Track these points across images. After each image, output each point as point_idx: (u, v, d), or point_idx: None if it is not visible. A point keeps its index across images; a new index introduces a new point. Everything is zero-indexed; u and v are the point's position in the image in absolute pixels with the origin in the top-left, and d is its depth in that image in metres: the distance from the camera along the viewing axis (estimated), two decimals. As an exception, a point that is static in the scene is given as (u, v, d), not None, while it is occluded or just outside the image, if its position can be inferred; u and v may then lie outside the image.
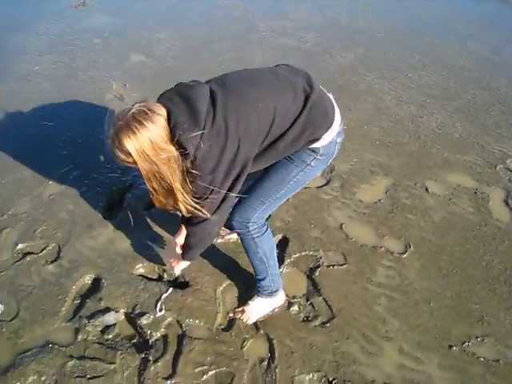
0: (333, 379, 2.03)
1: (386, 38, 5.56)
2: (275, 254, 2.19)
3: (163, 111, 1.59)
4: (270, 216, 2.79)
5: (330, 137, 1.86)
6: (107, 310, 2.25)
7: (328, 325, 2.24)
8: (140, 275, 2.46)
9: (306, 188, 3.08)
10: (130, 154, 1.56)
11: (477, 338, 2.22)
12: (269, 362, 2.08)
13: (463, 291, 2.45)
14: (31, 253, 2.57)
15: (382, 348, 2.16)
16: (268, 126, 1.69)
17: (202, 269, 2.48)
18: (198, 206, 1.72)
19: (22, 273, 2.45)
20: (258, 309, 2.26)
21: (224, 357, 2.09)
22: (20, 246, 2.61)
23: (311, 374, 2.05)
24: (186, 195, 1.69)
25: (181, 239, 2.22)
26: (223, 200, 1.76)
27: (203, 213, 1.74)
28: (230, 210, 1.96)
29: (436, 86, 4.55)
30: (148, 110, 1.56)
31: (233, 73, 1.81)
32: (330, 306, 2.33)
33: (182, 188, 1.67)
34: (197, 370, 2.03)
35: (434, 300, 2.39)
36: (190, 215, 1.80)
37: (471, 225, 2.88)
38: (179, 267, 2.27)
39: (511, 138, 3.78)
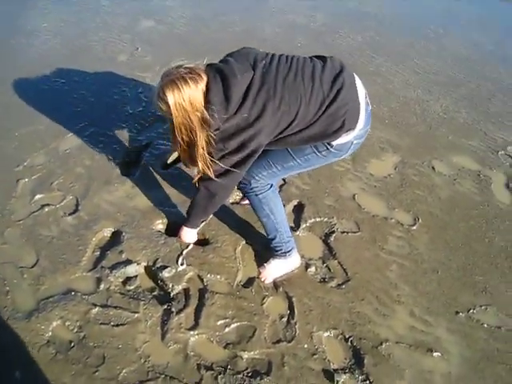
0: (349, 337, 2.11)
1: (393, 24, 5.60)
2: (283, 213, 2.27)
3: (205, 80, 1.78)
4: (285, 182, 2.86)
5: (346, 139, 1.97)
6: (128, 262, 2.29)
7: (344, 286, 2.33)
8: (160, 231, 2.49)
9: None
10: (169, 105, 1.76)
11: (481, 306, 2.33)
12: (288, 319, 2.16)
13: (468, 264, 2.56)
14: (49, 204, 2.57)
15: (394, 310, 2.26)
16: (286, 125, 1.85)
17: (221, 228, 2.53)
18: (211, 165, 1.89)
19: (41, 223, 2.46)
20: (273, 270, 2.32)
21: (245, 312, 2.15)
22: (37, 196, 2.61)
23: (329, 332, 2.13)
24: (205, 152, 1.86)
25: None
26: (229, 171, 1.92)
27: (211, 173, 1.92)
28: (237, 181, 2.06)
29: (441, 73, 4.63)
30: (195, 73, 1.76)
31: (276, 62, 1.88)
32: (344, 270, 2.41)
33: (205, 144, 1.85)
34: (219, 323, 2.10)
35: (441, 270, 2.50)
36: (200, 175, 1.99)
37: (475, 204, 2.99)
38: (187, 236, 2.36)
39: (512, 126, 3.90)
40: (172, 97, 1.74)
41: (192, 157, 1.92)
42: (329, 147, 1.98)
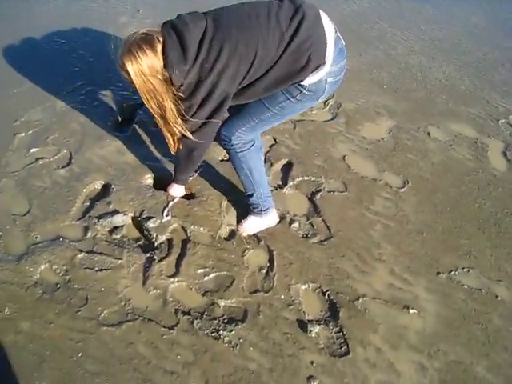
0: (327, 290, 2.16)
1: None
2: (263, 172, 2.30)
3: (161, 40, 1.80)
4: (275, 141, 2.88)
5: (317, 77, 1.92)
6: (116, 212, 2.36)
7: (325, 243, 2.37)
8: (148, 185, 2.56)
9: (311, 120, 3.16)
10: (129, 74, 1.80)
11: (463, 268, 2.36)
12: (267, 271, 2.22)
13: (454, 227, 2.57)
14: (43, 157, 2.65)
15: (374, 268, 2.29)
16: (246, 68, 1.84)
17: (208, 183, 2.58)
18: (186, 127, 1.94)
19: (34, 175, 2.54)
20: (249, 226, 2.38)
21: (225, 262, 2.22)
22: (32, 150, 2.68)
23: (307, 285, 2.18)
24: (176, 115, 1.91)
25: None
26: (201, 126, 1.96)
27: (189, 133, 1.97)
28: (213, 134, 2.08)
29: (447, 40, 4.55)
30: (150, 37, 1.78)
31: (229, 10, 1.91)
32: (328, 227, 2.45)
33: (174, 106, 1.89)
34: (199, 272, 2.17)
35: (426, 231, 2.51)
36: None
37: (468, 170, 2.98)
38: (174, 191, 2.44)
39: (516, 95, 3.83)
40: (130, 65, 1.77)
41: (168, 125, 1.97)
42: (302, 89, 1.95)
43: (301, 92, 1.95)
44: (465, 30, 4.81)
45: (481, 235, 2.55)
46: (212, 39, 1.80)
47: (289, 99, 1.99)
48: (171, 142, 2.07)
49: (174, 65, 1.79)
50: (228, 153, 2.26)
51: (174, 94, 1.86)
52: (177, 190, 2.43)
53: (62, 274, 2.10)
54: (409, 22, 4.80)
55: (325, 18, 1.91)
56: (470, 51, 4.40)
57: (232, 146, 2.17)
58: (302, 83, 1.93)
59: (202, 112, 1.91)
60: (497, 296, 2.25)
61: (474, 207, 2.72)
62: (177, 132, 1.98)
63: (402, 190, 2.74)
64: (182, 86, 1.85)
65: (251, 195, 2.31)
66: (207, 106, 1.89)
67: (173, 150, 2.11)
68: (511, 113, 3.59)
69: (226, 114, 2.09)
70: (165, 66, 1.80)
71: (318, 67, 1.88)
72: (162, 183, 2.52)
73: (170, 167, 2.63)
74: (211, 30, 1.82)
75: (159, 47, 1.79)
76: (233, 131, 2.13)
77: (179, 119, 1.92)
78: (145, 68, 1.77)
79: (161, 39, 1.80)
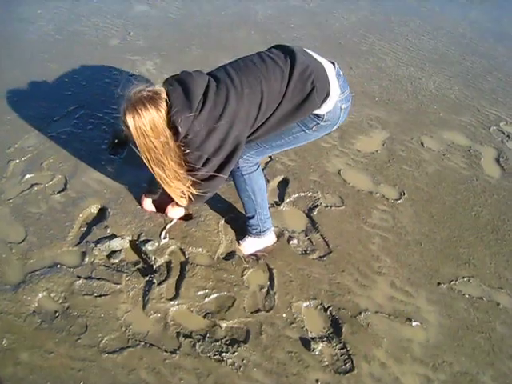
0: (328, 306, 2.15)
1: (388, 3, 5.58)
2: (265, 195, 2.29)
3: (165, 95, 1.79)
4: (271, 158, 2.89)
5: (332, 103, 1.96)
6: (113, 236, 2.34)
7: (325, 258, 2.36)
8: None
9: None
10: (130, 129, 1.79)
11: (463, 277, 2.36)
12: (268, 290, 2.20)
13: (452, 236, 2.58)
14: (38, 183, 2.63)
15: (375, 281, 2.29)
16: (256, 109, 1.85)
17: (205, 203, 2.56)
18: (188, 182, 1.97)
19: (30, 201, 2.53)
20: (248, 247, 2.38)
21: (225, 283, 2.20)
22: (27, 176, 2.67)
23: (308, 302, 2.17)
24: (177, 171, 1.91)
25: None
26: (212, 177, 1.95)
27: (196, 190, 2.00)
28: (219, 188, 2.12)
29: (436, 50, 4.61)
30: (154, 94, 1.78)
31: (225, 65, 1.95)
32: (326, 242, 2.44)
33: (174, 163, 1.89)
34: (199, 293, 2.15)
35: (424, 242, 2.52)
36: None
37: (463, 178, 2.99)
38: (173, 212, 2.44)
39: (506, 103, 3.87)
40: (132, 121, 1.76)
41: (169, 184, 1.97)
42: (319, 121, 1.99)
43: (317, 124, 2.00)
44: (452, 40, 4.88)
45: (479, 243, 2.56)
46: (217, 88, 1.82)
47: (304, 131, 2.04)
48: (178, 197, 2.07)
49: (179, 112, 1.77)
50: (232, 175, 2.23)
51: (178, 146, 1.85)
52: (176, 212, 2.43)
53: (60, 301, 2.07)
54: (397, 34, 4.86)
55: (313, 53, 2.01)
56: (458, 61, 4.46)
57: (238, 168, 2.15)
58: (319, 113, 1.96)
59: (212, 163, 1.90)
60: (498, 304, 2.25)
61: (470, 215, 2.73)
62: (178, 187, 1.98)
63: (399, 201, 2.74)
64: (187, 136, 1.83)
65: (252, 217, 2.30)
66: (218, 157, 1.88)
67: (184, 203, 2.12)
68: (502, 120, 3.63)
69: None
70: (169, 115, 1.78)
71: (327, 93, 1.92)
72: (160, 204, 2.50)
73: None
74: (214, 82, 1.85)
75: (163, 105, 1.78)
76: (241, 154, 2.11)
77: (181, 175, 1.92)
78: (147, 125, 1.76)
79: (164, 95, 1.79)
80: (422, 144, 3.24)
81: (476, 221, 2.70)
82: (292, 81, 1.86)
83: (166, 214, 2.45)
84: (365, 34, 4.78)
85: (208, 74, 1.92)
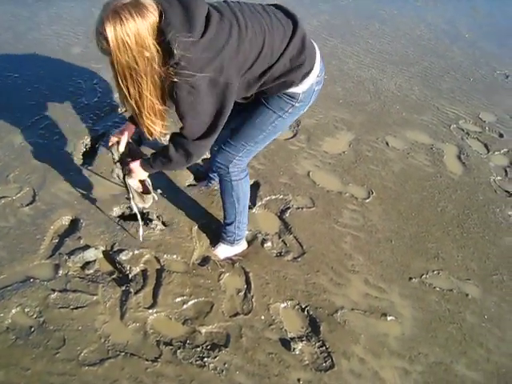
0: (305, 306, 2.20)
1: (348, 7, 5.71)
2: (247, 203, 2.30)
3: (156, 11, 1.50)
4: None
5: (310, 81, 1.88)
6: (86, 247, 2.31)
7: (299, 259, 2.41)
8: (117, 217, 2.52)
9: (273, 139, 3.22)
10: (108, 42, 1.47)
11: (433, 271, 2.46)
12: (245, 293, 2.23)
13: (420, 232, 2.68)
14: (5, 196, 2.56)
15: (349, 279, 2.35)
16: (256, 54, 1.69)
17: (178, 210, 2.57)
18: (165, 120, 1.75)
19: (-3, 215, 2.46)
20: (220, 254, 2.40)
21: (202, 288, 2.21)
22: (-7, 190, 2.60)
23: (285, 303, 2.21)
24: (155, 100, 1.65)
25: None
26: (209, 131, 1.74)
27: (163, 128, 1.76)
28: (207, 148, 1.85)
29: (395, 52, 4.76)
30: (140, 4, 1.47)
31: (233, 3, 1.77)
32: (300, 243, 2.49)
33: (155, 94, 1.64)
34: (177, 300, 2.15)
35: (394, 239, 2.60)
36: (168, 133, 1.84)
37: (427, 175, 3.11)
38: (137, 170, 2.05)
39: (463, 101, 4.04)
40: (112, 31, 1.44)
41: (144, 116, 1.69)
42: (293, 102, 1.91)
43: (292, 105, 1.93)
44: (410, 42, 5.05)
45: (446, 237, 2.67)
46: (220, 20, 1.61)
47: (281, 116, 1.96)
48: (151, 129, 1.77)
49: (174, 29, 1.49)
50: (220, 180, 2.21)
51: (164, 72, 1.56)
52: (139, 173, 2.07)
53: (35, 316, 2.02)
54: (358, 37, 4.98)
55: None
56: (417, 62, 4.62)
57: (229, 173, 2.13)
58: (295, 92, 1.88)
59: (204, 102, 1.66)
60: (467, 295, 2.36)
61: (436, 211, 2.84)
62: (153, 122, 1.72)
63: (367, 200, 2.82)
64: (179, 63, 1.53)
65: (230, 223, 2.31)
66: (208, 101, 1.66)
67: (157, 135, 1.81)
68: (460, 118, 3.79)
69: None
70: (160, 38, 1.51)
71: (310, 70, 1.84)
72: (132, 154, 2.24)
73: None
74: (216, 11, 1.65)
75: (153, 18, 1.49)
76: (229, 159, 2.09)
77: (157, 106, 1.67)
78: (131, 37, 1.46)
79: (155, 10, 1.50)
80: (387, 144, 3.34)
81: (442, 216, 2.81)
82: (291, 44, 1.75)
83: (128, 167, 2.09)
84: (327, 38, 4.87)
85: (211, 4, 1.68)
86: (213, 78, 1.60)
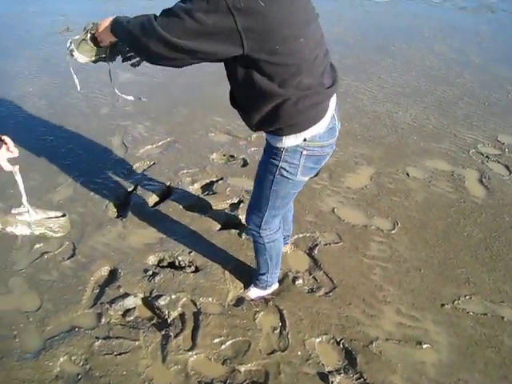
0: (340, 339, 2.24)
1: (358, 45, 5.89)
2: (280, 258, 2.36)
3: None
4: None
5: (315, 131, 1.73)
6: (126, 295, 2.42)
7: (331, 294, 2.46)
8: (153, 264, 2.65)
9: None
10: None
11: (465, 296, 2.48)
12: (281, 330, 2.28)
13: (449, 258, 2.71)
14: (48, 252, 2.72)
15: (381, 310, 2.39)
16: (284, 40, 1.47)
17: (209, 254, 2.68)
18: None
19: (41, 269, 2.60)
20: (253, 296, 2.47)
21: (239, 328, 2.28)
22: (36, 246, 2.75)
23: (320, 337, 2.25)
24: None
25: None
26: (172, 40, 1.45)
27: None
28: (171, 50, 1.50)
29: (408, 85, 4.88)
30: None
31: None
32: (330, 278, 2.55)
33: None
34: (215, 341, 2.22)
35: (423, 267, 2.64)
36: None
37: (451, 202, 3.15)
38: (102, 26, 1.75)
39: (480, 126, 4.10)
40: None
41: None
42: (302, 150, 1.76)
43: (302, 155, 1.77)
44: (421, 73, 5.18)
45: (475, 262, 2.69)
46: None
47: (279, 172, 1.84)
48: None
49: None
50: (253, 241, 2.25)
51: None
52: (104, 30, 1.75)
53: (81, 363, 2.12)
54: (370, 73, 5.13)
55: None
56: (429, 92, 4.72)
57: (261, 237, 2.16)
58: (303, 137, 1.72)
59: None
60: (503, 317, 2.37)
61: (463, 236, 2.87)
62: None
63: (393, 231, 2.88)
64: None
65: (263, 274, 2.36)
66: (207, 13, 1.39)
67: None
68: (479, 142, 3.84)
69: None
70: None
71: (321, 118, 1.72)
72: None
73: (170, 244, 2.75)
74: None
75: None
76: (258, 223, 2.10)
77: None
78: None
79: None
80: (408, 174, 3.41)
81: (469, 241, 2.83)
82: (322, 77, 1.66)
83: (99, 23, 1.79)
84: (340, 77, 5.01)
85: None
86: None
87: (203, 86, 4.76)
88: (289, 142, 1.73)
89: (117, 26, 1.68)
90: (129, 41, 1.66)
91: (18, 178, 1.68)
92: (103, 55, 1.94)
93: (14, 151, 1.69)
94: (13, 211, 1.75)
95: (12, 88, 4.68)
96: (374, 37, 6.24)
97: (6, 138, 1.62)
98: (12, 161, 1.62)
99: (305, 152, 1.77)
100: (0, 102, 4.37)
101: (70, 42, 1.86)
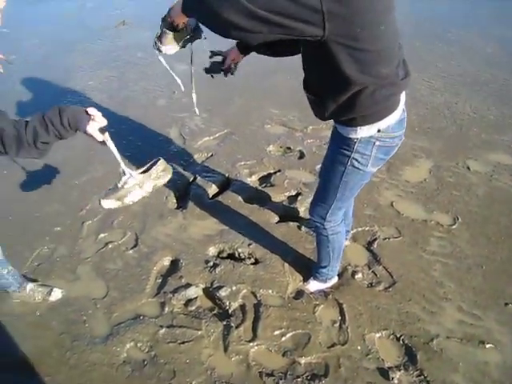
0: (400, 335, 2.23)
1: (413, 32, 5.69)
2: (341, 251, 2.36)
3: None
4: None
5: (388, 122, 1.70)
6: (188, 285, 2.50)
7: (390, 289, 2.45)
8: (213, 255, 2.71)
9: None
10: None
11: (531, 296, 2.39)
12: (340, 324, 2.30)
13: (513, 255, 2.62)
14: (112, 241, 2.84)
15: (442, 307, 2.35)
16: (378, 42, 1.47)
17: (268, 247, 2.71)
18: None
19: (106, 258, 2.73)
20: (312, 289, 2.49)
21: (299, 321, 2.31)
22: (101, 235, 2.89)
23: (380, 333, 2.25)
24: None
25: None
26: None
27: None
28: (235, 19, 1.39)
29: (467, 73, 4.70)
30: None
31: None
32: (390, 273, 2.53)
33: None
34: (276, 333, 2.26)
35: (485, 264, 2.57)
36: None
37: (514, 197, 3.04)
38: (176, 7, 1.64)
39: (546, 117, 3.92)
40: None
41: None
42: (375, 140, 1.73)
43: (374, 144, 1.75)
44: (481, 61, 4.97)
45: (541, 259, 2.59)
46: None
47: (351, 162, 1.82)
48: None
49: None
50: (316, 233, 2.26)
51: None
52: (175, 9, 1.63)
53: (147, 350, 2.22)
54: (426, 62, 4.98)
55: None
56: (490, 81, 4.54)
57: (325, 229, 2.16)
58: (375, 129, 1.70)
59: None
60: None
61: (528, 233, 2.77)
62: None
63: (454, 226, 2.81)
64: None
65: (324, 267, 2.38)
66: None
67: None
68: (544, 134, 3.67)
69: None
70: None
71: (395, 109, 1.69)
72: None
73: (231, 235, 2.80)
74: None
75: None
76: (323, 215, 2.10)
77: None
78: None
79: None
80: (468, 168, 3.31)
81: (534, 237, 2.73)
82: (397, 69, 1.60)
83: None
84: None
85: None
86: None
87: (257, 75, 4.77)
88: (363, 132, 1.71)
89: (187, 2, 1.56)
90: (203, 12, 1.51)
91: (111, 144, 1.71)
92: (187, 36, 1.92)
93: (102, 121, 1.72)
94: (119, 185, 1.79)
95: (73, 81, 4.88)
96: (429, 23, 6.03)
97: (91, 110, 1.66)
98: (102, 131, 1.66)
99: (377, 143, 1.75)
100: (62, 95, 4.56)
101: (155, 42, 1.86)
